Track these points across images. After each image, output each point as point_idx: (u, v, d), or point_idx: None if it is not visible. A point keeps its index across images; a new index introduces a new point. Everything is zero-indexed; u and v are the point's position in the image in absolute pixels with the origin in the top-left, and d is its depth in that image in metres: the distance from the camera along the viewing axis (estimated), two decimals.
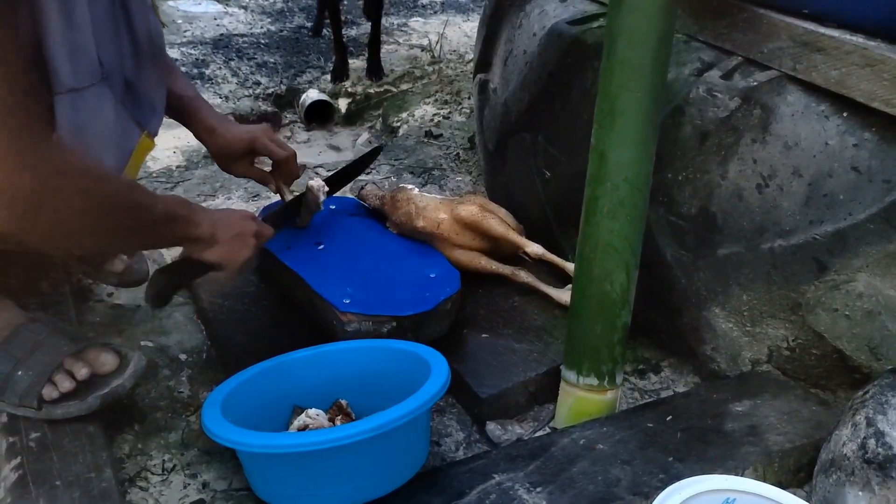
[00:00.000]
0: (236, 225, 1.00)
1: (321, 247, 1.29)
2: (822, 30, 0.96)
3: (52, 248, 0.89)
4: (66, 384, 0.96)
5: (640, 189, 0.97)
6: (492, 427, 1.10)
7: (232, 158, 1.19)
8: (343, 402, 1.03)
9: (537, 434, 1.09)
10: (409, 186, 1.38)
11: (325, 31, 2.86)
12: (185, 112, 1.17)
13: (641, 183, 0.97)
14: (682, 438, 0.96)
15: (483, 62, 1.56)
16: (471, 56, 2.58)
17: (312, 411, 1.00)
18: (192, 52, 2.56)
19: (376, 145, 1.48)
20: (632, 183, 0.96)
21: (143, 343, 1.23)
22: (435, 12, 3.20)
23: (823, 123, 0.96)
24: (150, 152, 1.02)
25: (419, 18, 3.12)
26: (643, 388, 1.19)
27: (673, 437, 0.96)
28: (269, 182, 1.26)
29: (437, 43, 2.71)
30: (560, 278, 1.31)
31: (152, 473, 1.00)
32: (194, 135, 1.20)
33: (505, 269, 1.30)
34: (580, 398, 1.06)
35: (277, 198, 1.32)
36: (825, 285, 0.98)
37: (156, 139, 1.04)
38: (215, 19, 2.98)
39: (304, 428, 0.98)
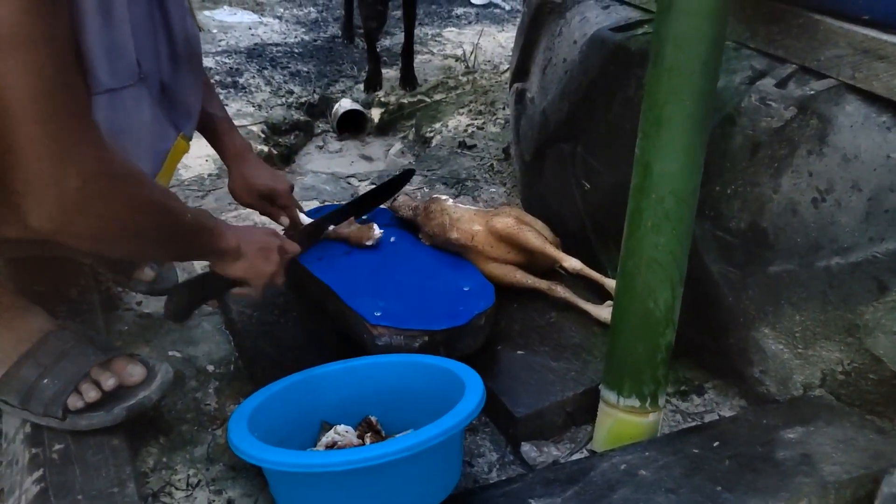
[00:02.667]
0: (260, 240, 1.00)
1: (349, 253, 1.27)
2: (885, 37, 0.90)
3: (86, 248, 0.88)
4: (91, 394, 0.94)
5: (687, 202, 0.93)
6: (527, 448, 1.05)
7: (247, 191, 1.20)
8: (373, 418, 1.00)
9: (574, 457, 1.05)
10: (443, 197, 1.35)
11: (358, 40, 2.85)
12: (216, 132, 1.18)
13: (688, 195, 0.93)
14: (730, 466, 0.91)
15: (520, 71, 1.53)
16: (505, 66, 2.55)
17: (341, 428, 0.98)
18: (227, 60, 2.57)
19: (408, 168, 1.46)
20: (678, 195, 0.92)
21: (170, 353, 1.21)
22: (469, 23, 3.18)
23: (885, 135, 0.90)
24: (185, 155, 1.01)
25: (453, 29, 3.10)
26: (685, 411, 1.14)
27: (720, 465, 0.91)
28: (276, 219, 1.26)
29: (471, 53, 2.69)
30: (599, 294, 1.26)
31: (176, 489, 0.97)
32: (220, 155, 1.21)
33: (541, 284, 1.26)
34: (620, 420, 1.01)
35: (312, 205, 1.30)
36: (885, 306, 0.93)
37: (189, 146, 1.02)
38: (250, 29, 2.99)
39: (332, 445, 0.95)
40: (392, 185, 1.41)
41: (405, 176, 1.44)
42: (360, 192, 1.83)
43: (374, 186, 1.35)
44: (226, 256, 0.95)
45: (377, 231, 1.28)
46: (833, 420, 0.98)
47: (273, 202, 1.22)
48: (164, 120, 0.93)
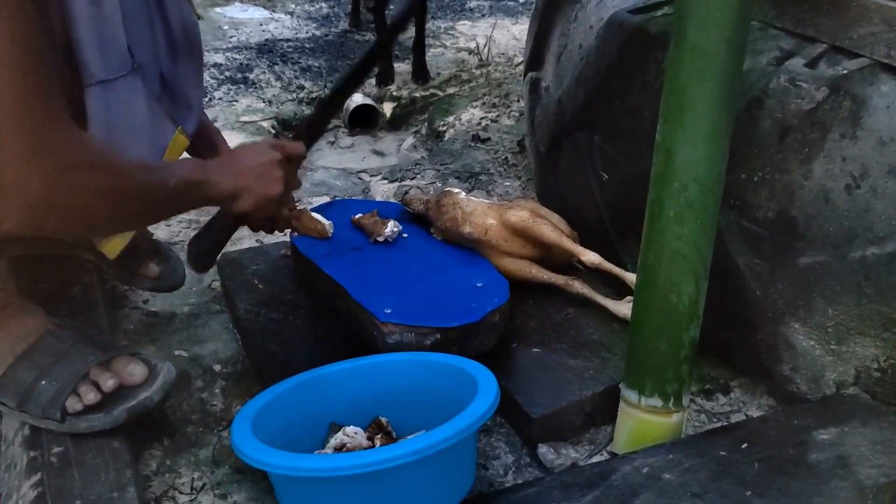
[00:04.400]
0: (257, 163, 0.95)
1: (359, 249, 1.24)
2: None
3: (67, 237, 0.91)
4: (90, 396, 0.91)
5: (712, 190, 0.88)
6: (544, 450, 1.01)
7: None
8: (383, 419, 0.96)
9: (594, 459, 1.00)
10: (455, 190, 1.31)
11: (369, 34, 2.82)
12: (207, 135, 1.14)
13: (713, 183, 0.88)
14: (760, 469, 0.86)
15: (534, 60, 1.48)
16: (520, 59, 2.50)
17: (350, 429, 0.94)
18: (237, 56, 2.54)
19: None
20: (702, 183, 0.87)
21: (176, 352, 1.18)
22: (483, 15, 3.13)
23: None
24: (184, 149, 0.98)
25: (466, 21, 3.05)
26: (710, 411, 1.09)
27: (749, 468, 0.86)
28: None
29: (484, 46, 2.64)
30: (618, 289, 1.22)
31: (180, 493, 0.94)
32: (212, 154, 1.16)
33: (558, 279, 1.21)
34: (642, 421, 0.96)
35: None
36: None
37: (189, 140, 0.99)
38: (261, 25, 2.96)
39: (340, 447, 0.92)
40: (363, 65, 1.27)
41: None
42: (372, 187, 1.79)
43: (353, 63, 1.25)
44: (224, 201, 0.93)
45: (388, 230, 1.25)
46: (869, 420, 0.93)
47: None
48: (161, 113, 0.91)
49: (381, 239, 1.25)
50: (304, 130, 1.13)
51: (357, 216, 1.30)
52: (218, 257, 1.11)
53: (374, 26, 2.54)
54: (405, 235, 1.28)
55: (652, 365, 0.94)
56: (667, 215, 0.89)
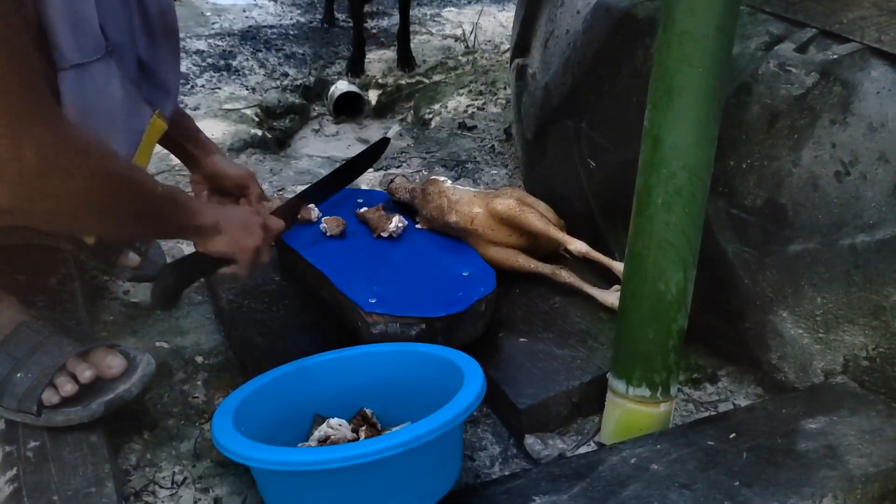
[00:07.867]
0: (241, 216, 0.97)
1: (343, 238, 1.21)
2: None
3: (54, 226, 0.90)
4: (67, 388, 0.89)
5: (700, 177, 0.87)
6: (531, 441, 1.00)
7: (234, 173, 1.15)
8: (368, 411, 0.95)
9: (581, 450, 0.99)
10: (441, 178, 1.29)
11: (347, 24, 2.78)
12: (188, 128, 1.12)
13: (701, 170, 0.87)
14: (748, 459, 0.85)
15: (521, 46, 1.46)
16: (506, 46, 2.48)
17: (334, 421, 0.92)
18: (220, 43, 2.50)
19: (383, 138, 1.44)
20: (690, 170, 0.86)
21: (157, 344, 1.16)
22: (469, 2, 3.11)
23: None
24: (162, 133, 0.95)
25: (452, 8, 3.03)
26: (698, 400, 1.08)
27: (738, 458, 0.85)
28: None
29: (471, 33, 2.62)
30: (605, 278, 1.21)
31: (161, 487, 0.92)
32: (183, 149, 1.14)
33: (545, 268, 1.20)
34: (630, 411, 0.96)
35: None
36: None
37: (167, 125, 0.97)
38: (244, 11, 2.92)
39: (325, 439, 0.90)
40: (367, 155, 1.35)
41: (380, 146, 1.39)
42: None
43: (346, 160, 1.30)
44: (204, 232, 0.92)
45: (392, 225, 1.22)
46: (857, 409, 0.92)
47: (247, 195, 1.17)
48: (138, 97, 0.88)
49: (385, 234, 1.22)
50: (283, 213, 1.13)
51: (362, 210, 1.27)
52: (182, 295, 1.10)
53: (349, 17, 2.50)
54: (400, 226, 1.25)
55: (640, 354, 0.93)
56: (655, 203, 0.88)
